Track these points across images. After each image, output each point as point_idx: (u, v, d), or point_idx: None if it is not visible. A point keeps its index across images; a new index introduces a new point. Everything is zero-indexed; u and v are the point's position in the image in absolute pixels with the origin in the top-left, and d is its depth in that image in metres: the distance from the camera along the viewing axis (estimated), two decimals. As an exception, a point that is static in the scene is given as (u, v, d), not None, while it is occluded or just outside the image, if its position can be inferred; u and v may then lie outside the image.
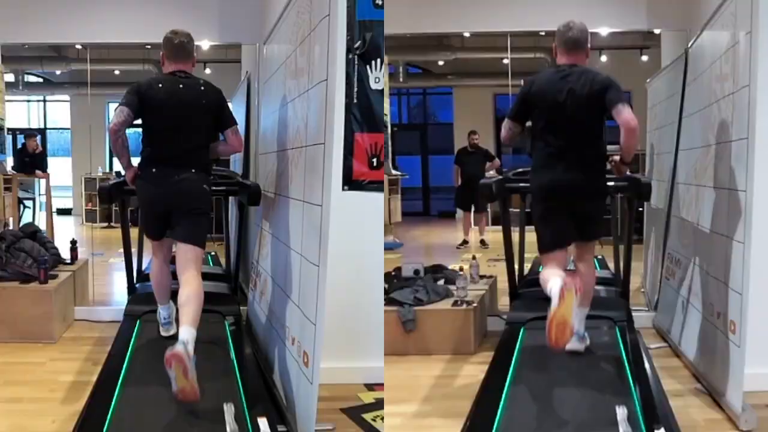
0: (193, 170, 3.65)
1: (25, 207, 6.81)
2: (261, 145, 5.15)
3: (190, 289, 3.44)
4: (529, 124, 3.62)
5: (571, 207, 3.50)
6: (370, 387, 3.93)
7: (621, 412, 2.88)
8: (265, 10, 5.22)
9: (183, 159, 3.64)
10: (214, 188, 3.90)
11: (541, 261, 3.64)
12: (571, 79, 3.43)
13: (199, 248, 3.61)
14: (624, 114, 3.28)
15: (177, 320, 3.54)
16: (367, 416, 3.56)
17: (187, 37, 3.76)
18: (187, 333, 3.21)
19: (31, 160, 6.66)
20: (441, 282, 4.96)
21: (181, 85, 3.67)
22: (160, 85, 3.67)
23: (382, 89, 4.00)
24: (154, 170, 3.65)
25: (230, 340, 4.05)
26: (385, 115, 4.94)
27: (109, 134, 3.64)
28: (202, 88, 3.71)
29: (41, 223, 6.35)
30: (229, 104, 3.90)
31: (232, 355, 3.84)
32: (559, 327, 3.04)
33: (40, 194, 6.94)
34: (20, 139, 6.83)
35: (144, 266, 5.26)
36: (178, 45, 3.72)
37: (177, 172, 3.62)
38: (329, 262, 2.95)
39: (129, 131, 3.69)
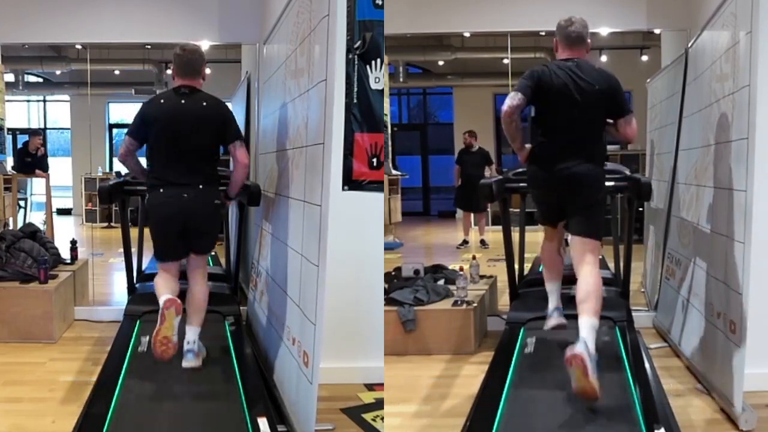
0: (201, 186, 3.66)
1: (20, 207, 6.81)
2: (261, 145, 5.15)
3: (197, 293, 3.78)
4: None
5: (570, 196, 3.49)
6: (370, 387, 3.94)
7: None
8: (265, 10, 5.22)
9: (188, 174, 3.64)
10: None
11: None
12: (581, 72, 3.43)
13: (208, 255, 3.93)
14: (630, 127, 3.50)
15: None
16: (367, 416, 3.56)
17: (195, 53, 3.76)
18: (192, 334, 3.63)
19: (33, 160, 6.65)
20: (441, 282, 4.96)
21: (183, 101, 3.67)
22: (162, 102, 3.70)
23: (382, 89, 4.00)
24: (161, 191, 3.65)
25: (230, 340, 4.05)
26: (385, 115, 4.94)
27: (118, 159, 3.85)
28: (204, 104, 3.69)
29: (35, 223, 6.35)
30: (230, 105, 3.89)
31: (232, 355, 3.84)
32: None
33: (31, 194, 6.94)
34: (21, 139, 6.82)
35: (144, 266, 5.26)
36: (185, 62, 3.72)
37: (185, 191, 3.63)
38: (329, 262, 2.95)
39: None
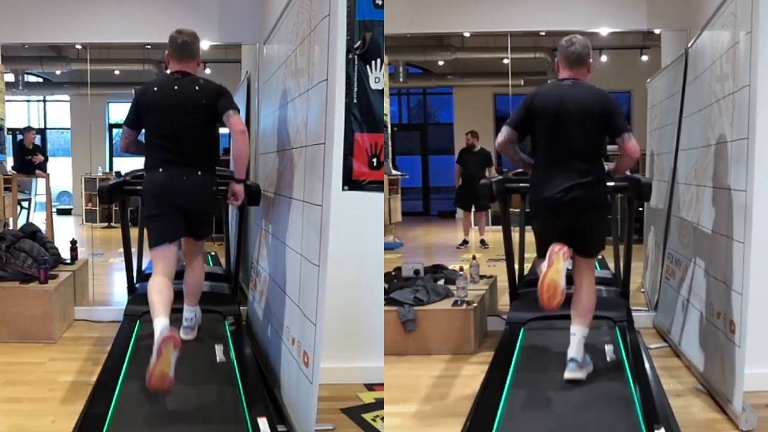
0: (199, 172, 3.68)
1: (22, 208, 6.81)
2: (261, 145, 5.15)
3: (194, 276, 3.92)
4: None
5: (572, 221, 3.42)
6: (370, 387, 3.94)
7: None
8: (265, 10, 5.22)
9: (186, 160, 3.65)
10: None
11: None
12: (574, 92, 3.41)
13: (203, 240, 4.01)
14: (630, 144, 3.39)
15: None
16: (367, 416, 3.56)
17: (191, 37, 3.76)
18: (190, 312, 3.84)
19: (31, 155, 6.64)
20: (441, 282, 4.96)
21: (176, 86, 3.68)
22: (155, 89, 3.71)
23: (382, 89, 4.00)
24: (161, 170, 3.66)
25: (230, 340, 4.05)
26: (385, 115, 4.94)
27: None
28: (197, 87, 3.69)
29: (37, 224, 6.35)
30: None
31: (232, 355, 3.84)
32: (549, 289, 3.21)
33: (35, 194, 6.94)
34: (20, 138, 6.82)
35: (144, 266, 5.26)
36: (181, 44, 3.72)
37: (183, 174, 3.64)
38: (329, 262, 2.95)
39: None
